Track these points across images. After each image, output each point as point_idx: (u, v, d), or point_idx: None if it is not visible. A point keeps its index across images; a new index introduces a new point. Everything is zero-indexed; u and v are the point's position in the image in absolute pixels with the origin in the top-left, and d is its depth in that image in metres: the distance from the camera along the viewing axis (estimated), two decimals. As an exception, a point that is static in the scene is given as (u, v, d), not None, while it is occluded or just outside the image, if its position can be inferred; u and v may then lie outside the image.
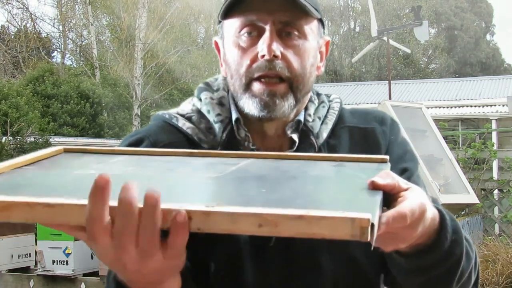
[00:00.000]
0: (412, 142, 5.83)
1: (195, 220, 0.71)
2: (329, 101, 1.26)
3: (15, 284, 7.34)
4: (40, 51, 27.16)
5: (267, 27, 1.09)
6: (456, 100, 21.51)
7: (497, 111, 19.66)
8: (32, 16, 26.95)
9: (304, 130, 1.17)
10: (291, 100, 1.11)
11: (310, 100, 1.22)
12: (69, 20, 27.65)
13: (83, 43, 27.25)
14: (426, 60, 35.95)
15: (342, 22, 35.67)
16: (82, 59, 26.76)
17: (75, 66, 27.73)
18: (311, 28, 1.14)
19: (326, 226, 0.68)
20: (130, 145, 1.14)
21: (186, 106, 1.22)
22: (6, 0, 26.41)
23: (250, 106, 1.11)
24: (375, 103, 18.06)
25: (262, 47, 1.08)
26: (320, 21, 1.17)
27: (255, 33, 1.10)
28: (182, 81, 22.31)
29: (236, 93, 1.14)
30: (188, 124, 1.17)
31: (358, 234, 0.67)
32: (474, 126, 19.61)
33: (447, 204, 5.64)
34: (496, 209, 9.59)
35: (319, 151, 1.16)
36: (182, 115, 1.19)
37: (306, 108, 1.20)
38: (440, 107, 20.88)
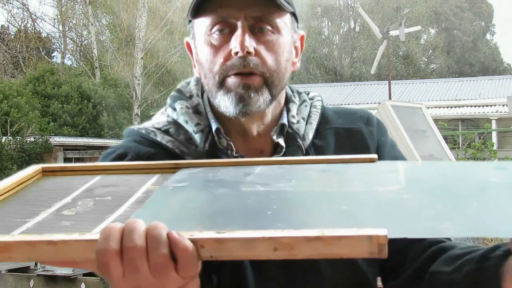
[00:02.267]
0: (412, 142, 5.84)
1: (207, 248, 0.69)
2: (310, 99, 1.23)
3: (15, 284, 7.34)
4: (40, 51, 27.17)
5: (239, 23, 1.05)
6: (456, 100, 21.53)
7: (497, 111, 19.67)
8: (32, 16, 26.97)
9: (290, 133, 1.15)
10: (266, 95, 1.07)
11: (291, 100, 1.19)
12: (69, 20, 27.66)
13: (83, 43, 27.25)
14: (426, 60, 35.94)
15: (342, 22, 35.67)
16: (82, 59, 26.77)
17: (75, 66, 27.76)
18: (284, 22, 1.10)
19: (344, 245, 0.66)
20: (113, 161, 1.10)
21: (161, 118, 1.17)
22: (6, 0, 26.43)
23: (226, 103, 1.07)
24: (375, 103, 18.05)
25: (234, 44, 1.05)
26: (294, 15, 1.14)
27: (227, 30, 1.07)
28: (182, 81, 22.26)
29: (211, 92, 1.11)
30: (167, 138, 1.12)
31: (376, 252, 0.66)
32: (474, 126, 19.60)
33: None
34: (496, 209, 9.58)
35: (307, 153, 1.14)
36: (159, 129, 1.14)
37: (288, 110, 1.17)
38: (440, 107, 20.88)
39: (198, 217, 0.79)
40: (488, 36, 39.57)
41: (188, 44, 1.19)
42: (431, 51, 35.38)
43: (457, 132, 15.52)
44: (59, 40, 29.21)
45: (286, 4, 1.07)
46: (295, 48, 1.17)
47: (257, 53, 1.06)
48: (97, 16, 26.15)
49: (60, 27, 27.87)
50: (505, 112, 18.62)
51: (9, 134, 15.62)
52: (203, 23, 1.10)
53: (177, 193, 0.86)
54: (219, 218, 0.77)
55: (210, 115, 1.14)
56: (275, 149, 1.14)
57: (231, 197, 0.84)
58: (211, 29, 1.08)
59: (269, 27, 1.08)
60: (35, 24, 27.42)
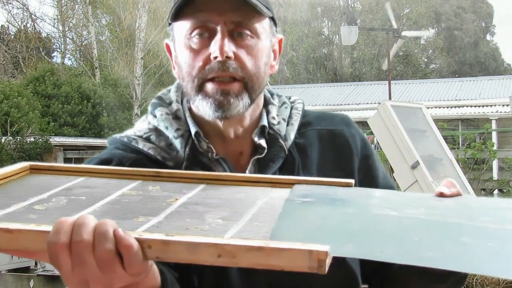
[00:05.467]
0: (412, 142, 5.83)
1: (154, 249, 0.71)
2: (291, 102, 1.25)
3: (15, 284, 7.34)
4: (40, 51, 27.19)
5: (219, 28, 1.07)
6: (456, 100, 21.53)
7: (497, 111, 19.67)
8: (32, 16, 26.99)
9: (271, 134, 1.16)
10: (246, 99, 1.09)
11: (270, 102, 1.21)
12: (69, 20, 27.68)
13: (83, 43, 27.26)
14: (426, 60, 35.93)
15: (342, 22, 35.66)
16: (82, 59, 26.77)
17: (75, 66, 27.76)
18: (263, 27, 1.12)
19: (284, 258, 0.68)
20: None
21: (142, 126, 1.19)
22: (6, 0, 26.43)
23: (205, 107, 1.09)
24: (375, 103, 18.06)
25: (214, 48, 1.06)
26: (272, 19, 1.16)
27: (207, 34, 1.08)
28: (182, 81, 22.27)
29: (190, 95, 1.12)
30: (148, 145, 1.14)
31: (315, 266, 0.68)
32: (474, 126, 19.61)
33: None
34: (496, 209, 9.58)
35: (289, 152, 1.16)
36: (140, 136, 1.16)
37: (268, 111, 1.19)
38: (440, 107, 20.88)
39: (345, 234, 0.79)
40: (488, 37, 39.56)
41: (167, 46, 1.21)
42: (431, 51, 35.36)
43: (457, 132, 15.51)
44: (59, 40, 29.25)
45: (265, 9, 1.09)
46: (274, 51, 1.19)
47: (236, 58, 1.08)
48: (97, 16, 26.16)
49: (60, 27, 27.90)
50: (506, 112, 18.62)
51: (9, 134, 15.62)
52: (183, 27, 1.11)
53: (308, 208, 0.86)
54: (370, 239, 0.76)
55: (189, 120, 1.16)
56: (256, 150, 1.15)
57: (365, 218, 0.84)
58: (191, 33, 1.10)
59: (248, 32, 1.10)
60: (35, 24, 27.45)
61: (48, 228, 0.74)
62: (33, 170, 1.01)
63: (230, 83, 1.08)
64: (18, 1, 26.57)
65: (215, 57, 1.07)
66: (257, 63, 1.10)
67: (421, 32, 16.56)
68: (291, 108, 1.23)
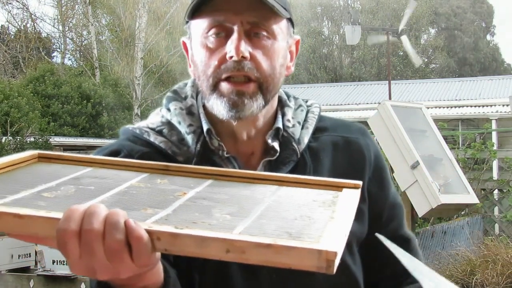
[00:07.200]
0: (412, 142, 5.83)
1: (163, 241, 0.72)
2: (308, 106, 1.25)
3: (15, 284, 7.33)
4: (40, 51, 27.19)
5: (235, 28, 1.07)
6: (456, 100, 21.50)
7: (497, 111, 19.65)
8: (32, 16, 26.98)
9: (285, 137, 1.16)
10: (260, 101, 1.09)
11: (286, 105, 1.20)
12: (69, 20, 27.68)
13: (83, 43, 27.26)
14: (426, 60, 35.92)
15: (342, 22, 35.63)
16: (82, 59, 26.77)
17: (75, 66, 27.75)
18: (280, 27, 1.11)
19: (293, 256, 0.68)
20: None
21: (155, 118, 1.19)
22: (6, 0, 26.42)
23: (219, 107, 1.09)
24: (375, 103, 18.05)
25: (230, 48, 1.06)
26: (290, 20, 1.15)
27: (223, 34, 1.08)
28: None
29: (204, 94, 1.12)
30: (160, 138, 1.14)
31: (324, 267, 0.68)
32: (474, 126, 19.58)
33: (447, 204, 5.63)
34: (496, 209, 9.57)
35: (301, 156, 1.15)
36: (152, 129, 1.16)
37: (283, 114, 1.19)
38: (440, 107, 20.87)
39: None
40: (488, 37, 39.53)
41: (184, 44, 1.20)
42: (431, 51, 35.35)
43: (457, 132, 15.49)
44: (59, 40, 29.25)
45: (282, 10, 1.09)
46: (290, 52, 1.18)
47: (252, 58, 1.07)
48: (97, 16, 26.15)
49: (60, 27, 27.89)
50: (506, 112, 18.61)
51: (9, 134, 15.61)
52: (200, 25, 1.11)
53: None
54: None
55: (202, 117, 1.16)
56: (267, 151, 1.15)
57: None
58: (207, 32, 1.10)
59: (264, 33, 1.09)
60: (35, 24, 27.45)
61: (59, 215, 0.74)
62: (41, 158, 1.01)
63: (245, 84, 1.08)
64: (18, 1, 26.59)
65: (231, 57, 1.06)
66: (272, 64, 1.10)
67: (410, 5, 16.47)
68: (307, 112, 1.23)
